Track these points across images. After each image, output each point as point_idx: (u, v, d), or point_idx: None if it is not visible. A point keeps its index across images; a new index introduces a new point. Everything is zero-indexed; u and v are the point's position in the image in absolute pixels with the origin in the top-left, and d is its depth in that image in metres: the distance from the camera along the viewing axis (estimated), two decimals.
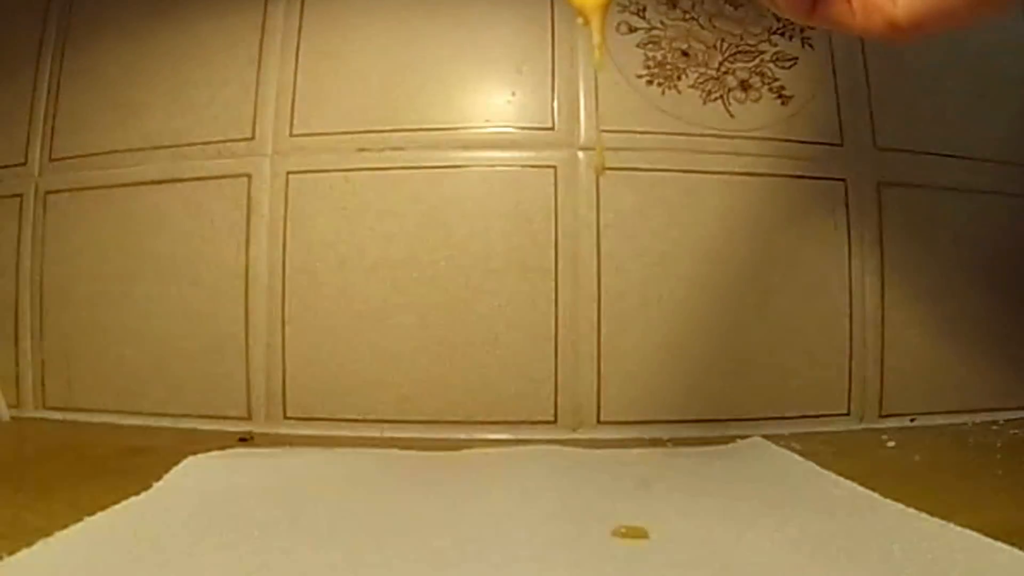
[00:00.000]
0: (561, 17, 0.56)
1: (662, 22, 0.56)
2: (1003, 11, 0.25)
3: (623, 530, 0.29)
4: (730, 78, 0.56)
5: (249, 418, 0.55)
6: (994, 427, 0.54)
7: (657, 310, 0.54)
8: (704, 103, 0.56)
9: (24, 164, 0.61)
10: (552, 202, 0.54)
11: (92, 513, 0.30)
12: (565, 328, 0.54)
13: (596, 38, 0.31)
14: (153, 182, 0.58)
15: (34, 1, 0.62)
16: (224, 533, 0.29)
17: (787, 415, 0.54)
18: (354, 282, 0.55)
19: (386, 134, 0.56)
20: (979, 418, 0.56)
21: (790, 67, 0.57)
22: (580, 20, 0.31)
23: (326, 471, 0.41)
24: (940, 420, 0.56)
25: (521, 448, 0.47)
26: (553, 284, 0.54)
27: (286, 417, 0.55)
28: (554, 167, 0.54)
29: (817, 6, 0.28)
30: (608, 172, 0.54)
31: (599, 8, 0.30)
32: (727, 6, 0.57)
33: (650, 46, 0.56)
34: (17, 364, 0.60)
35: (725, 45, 0.57)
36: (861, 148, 0.57)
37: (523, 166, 0.55)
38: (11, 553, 0.25)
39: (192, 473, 0.39)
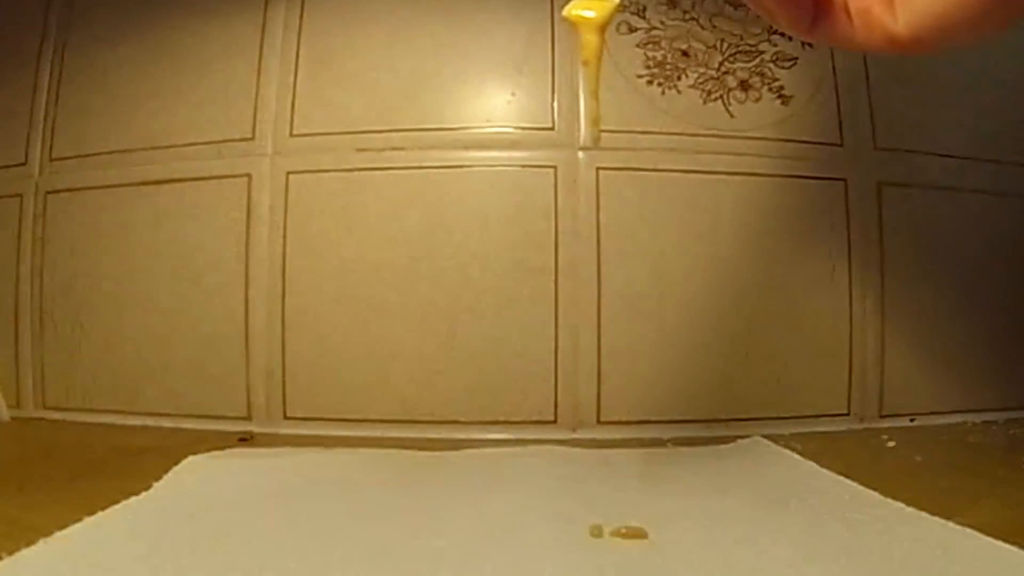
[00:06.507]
0: (561, 18, 0.56)
1: (662, 22, 0.56)
2: (1004, 28, 0.25)
3: (623, 530, 0.29)
4: (730, 78, 0.56)
5: (249, 418, 0.55)
6: (994, 427, 0.54)
7: (657, 310, 0.54)
8: (704, 103, 0.56)
9: (24, 164, 0.61)
10: (552, 202, 0.54)
11: (92, 513, 0.30)
12: (565, 328, 0.54)
13: (592, 109, 0.31)
14: (153, 182, 0.58)
15: (34, 1, 0.62)
16: (224, 533, 0.29)
17: (787, 415, 0.54)
18: (354, 282, 0.55)
19: (386, 134, 0.56)
20: (979, 418, 0.56)
21: (790, 67, 0.57)
22: (582, 59, 0.31)
23: (326, 471, 0.41)
24: (940, 420, 0.56)
25: (521, 448, 0.47)
26: (553, 284, 0.54)
27: (286, 417, 0.55)
28: (554, 167, 0.54)
29: (817, 22, 0.28)
30: (608, 172, 0.54)
31: (596, 52, 0.30)
32: (727, 6, 0.57)
33: (650, 46, 0.56)
34: (17, 364, 0.60)
35: (725, 45, 0.57)
36: (861, 148, 0.57)
37: (523, 166, 0.55)
38: (11, 553, 0.25)
39: (192, 473, 0.39)
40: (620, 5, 0.31)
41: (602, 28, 0.30)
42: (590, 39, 0.30)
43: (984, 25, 0.25)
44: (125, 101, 0.59)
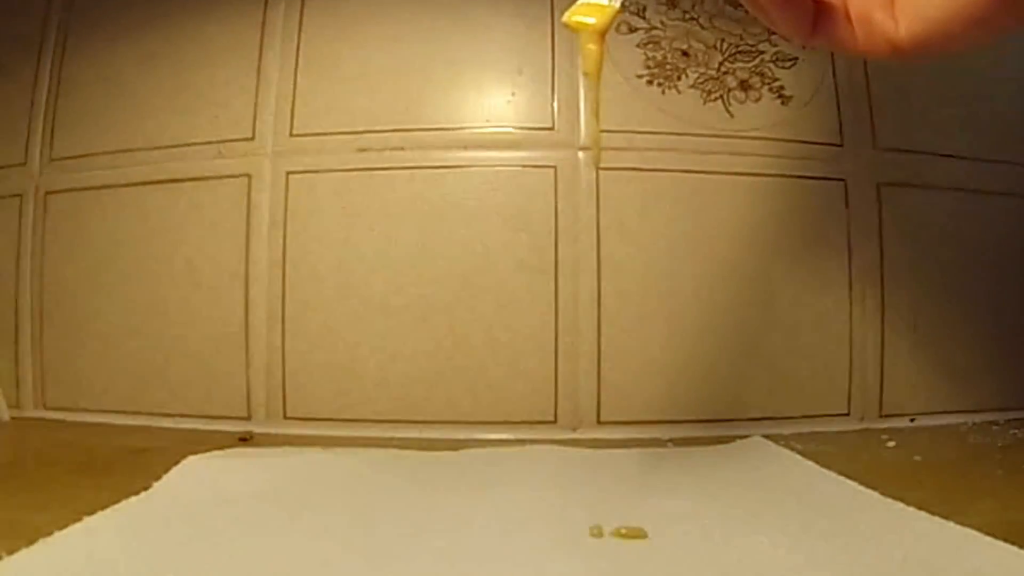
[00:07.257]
0: (561, 24, 0.56)
1: (662, 22, 0.56)
2: (1005, 34, 0.25)
3: (622, 530, 0.29)
4: (730, 78, 0.56)
5: (249, 418, 0.55)
6: (994, 427, 0.54)
7: (657, 310, 0.54)
8: (704, 103, 0.56)
9: (24, 164, 0.61)
10: (552, 202, 0.54)
11: (92, 513, 0.30)
12: (565, 328, 0.54)
13: (593, 129, 0.31)
14: (153, 182, 0.58)
15: (34, 1, 0.62)
16: (224, 533, 0.29)
17: (787, 415, 0.54)
18: (354, 282, 0.55)
19: (386, 134, 0.56)
20: (979, 418, 0.56)
21: (790, 67, 0.57)
22: (583, 70, 0.31)
23: (326, 471, 0.41)
24: (940, 420, 0.56)
25: (521, 448, 0.47)
26: (553, 284, 0.54)
27: (286, 417, 0.55)
28: (554, 167, 0.54)
29: (818, 28, 0.27)
30: (608, 172, 0.54)
31: (597, 62, 0.30)
32: (727, 6, 0.57)
33: (650, 46, 0.56)
34: (17, 364, 0.60)
35: (725, 45, 0.57)
36: (861, 148, 0.57)
37: (523, 166, 0.55)
38: (11, 553, 0.25)
39: (192, 473, 0.39)
40: (620, 11, 0.31)
41: (603, 34, 0.30)
42: (591, 48, 0.30)
43: (985, 32, 0.25)
44: (125, 101, 0.59)
